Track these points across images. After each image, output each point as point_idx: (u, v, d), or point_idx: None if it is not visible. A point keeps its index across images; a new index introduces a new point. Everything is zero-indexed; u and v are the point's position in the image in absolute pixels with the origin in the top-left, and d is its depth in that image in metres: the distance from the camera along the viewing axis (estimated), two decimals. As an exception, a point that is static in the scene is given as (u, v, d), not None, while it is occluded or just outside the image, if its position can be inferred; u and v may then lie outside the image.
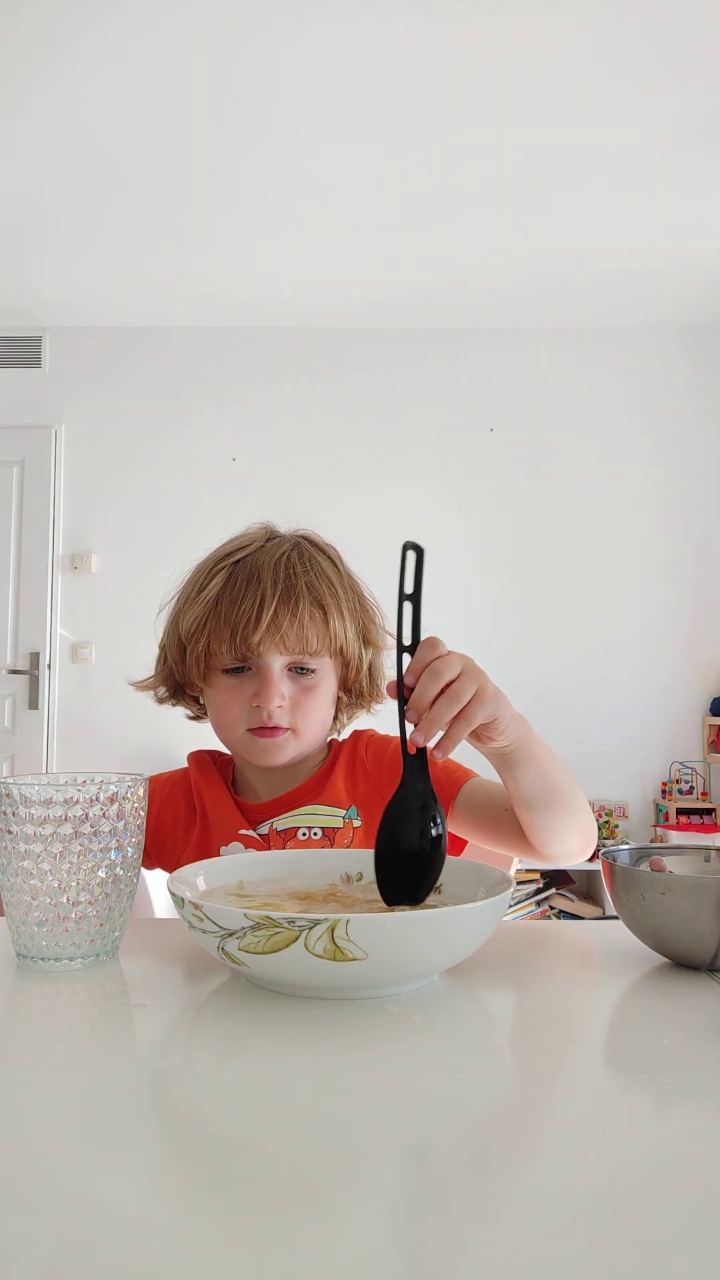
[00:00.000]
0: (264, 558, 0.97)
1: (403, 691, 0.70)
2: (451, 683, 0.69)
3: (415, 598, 0.70)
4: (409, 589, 0.70)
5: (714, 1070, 0.50)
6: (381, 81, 2.50)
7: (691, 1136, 0.43)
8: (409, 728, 0.69)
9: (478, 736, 0.76)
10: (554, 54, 2.37)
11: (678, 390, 4.08)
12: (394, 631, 1.06)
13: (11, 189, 3.04)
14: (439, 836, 0.69)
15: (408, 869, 0.69)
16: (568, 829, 0.87)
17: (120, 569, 4.02)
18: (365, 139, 2.76)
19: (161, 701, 1.06)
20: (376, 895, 0.71)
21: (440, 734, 0.70)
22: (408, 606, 0.70)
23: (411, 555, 0.69)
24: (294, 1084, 0.48)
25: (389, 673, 1.07)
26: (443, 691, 0.69)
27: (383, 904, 0.69)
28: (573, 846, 0.89)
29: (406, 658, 0.71)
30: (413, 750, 0.70)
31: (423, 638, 0.71)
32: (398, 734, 1.05)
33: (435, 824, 0.69)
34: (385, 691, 0.73)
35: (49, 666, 4.02)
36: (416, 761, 0.70)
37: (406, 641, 0.71)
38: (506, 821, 0.90)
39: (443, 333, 4.10)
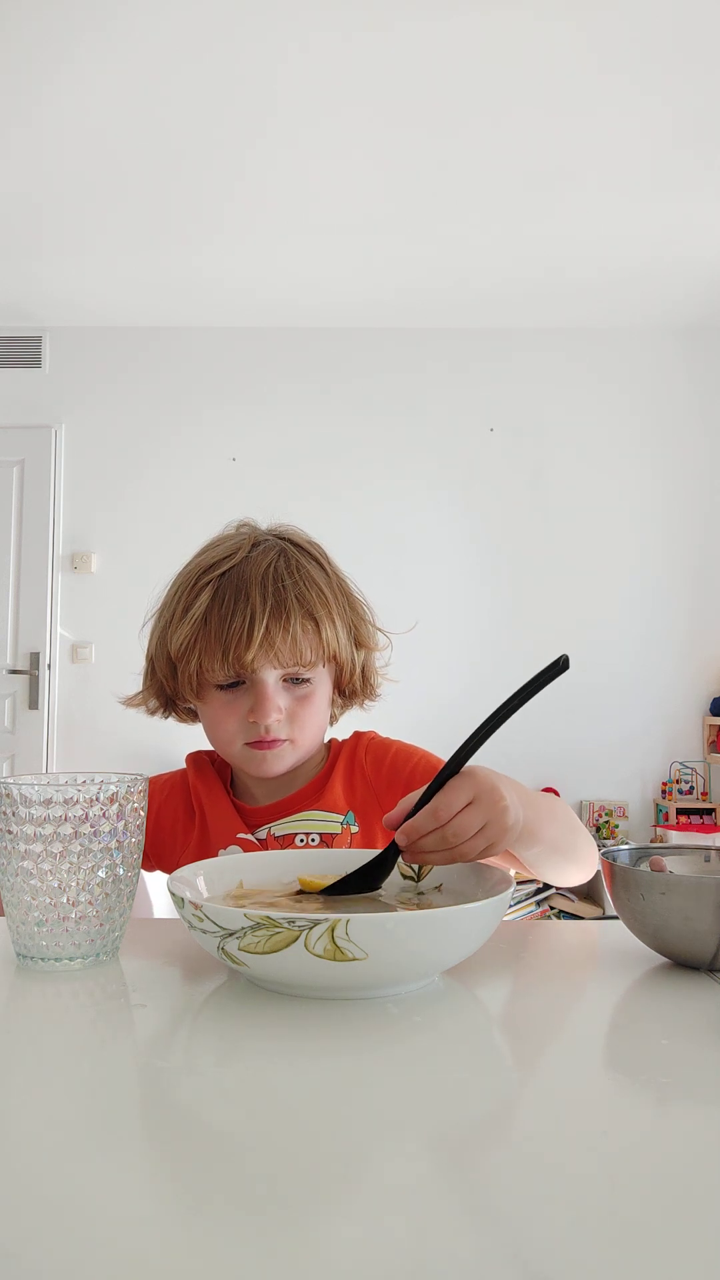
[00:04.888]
0: (250, 569, 0.94)
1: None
2: (457, 839, 0.67)
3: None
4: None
5: (714, 1070, 0.50)
6: (381, 83, 2.50)
7: (691, 1136, 0.43)
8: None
9: None
10: (552, 55, 2.37)
11: (677, 390, 4.08)
12: (384, 629, 1.05)
13: (12, 189, 3.04)
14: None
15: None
16: (567, 871, 0.87)
17: (120, 569, 4.02)
18: (365, 141, 2.76)
19: (153, 713, 1.05)
20: (377, 896, 0.72)
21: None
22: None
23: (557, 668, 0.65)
24: (294, 1084, 0.48)
25: (381, 671, 1.06)
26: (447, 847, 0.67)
27: (380, 905, 0.70)
28: (570, 880, 0.89)
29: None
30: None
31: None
32: (398, 739, 1.04)
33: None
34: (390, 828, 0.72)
35: (49, 666, 4.02)
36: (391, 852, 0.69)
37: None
38: None
39: (443, 333, 4.10)
